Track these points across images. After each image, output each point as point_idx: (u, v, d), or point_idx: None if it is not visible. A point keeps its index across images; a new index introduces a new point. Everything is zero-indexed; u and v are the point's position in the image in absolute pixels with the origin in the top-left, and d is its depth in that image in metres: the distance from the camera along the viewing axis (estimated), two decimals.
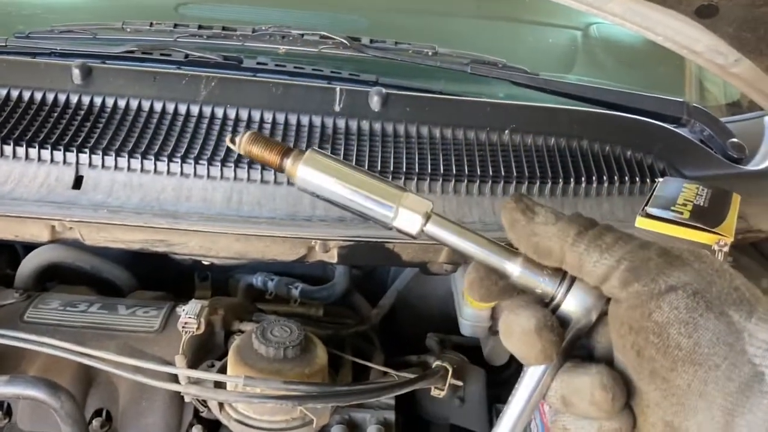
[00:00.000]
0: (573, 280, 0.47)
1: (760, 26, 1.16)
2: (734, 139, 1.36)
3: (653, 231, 0.90)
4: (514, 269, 0.48)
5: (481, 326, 1.28)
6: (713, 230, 0.87)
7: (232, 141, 0.55)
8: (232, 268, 1.51)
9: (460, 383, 1.15)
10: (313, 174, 0.52)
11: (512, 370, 1.38)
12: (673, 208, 0.92)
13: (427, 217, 0.51)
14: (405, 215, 0.51)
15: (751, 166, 1.35)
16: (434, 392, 1.13)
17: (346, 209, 0.53)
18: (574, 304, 0.47)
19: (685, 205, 0.93)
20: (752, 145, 1.41)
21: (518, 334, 0.46)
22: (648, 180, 1.22)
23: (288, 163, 0.52)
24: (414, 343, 1.37)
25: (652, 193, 0.97)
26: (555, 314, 0.47)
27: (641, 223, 0.90)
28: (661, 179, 1.03)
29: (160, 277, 1.43)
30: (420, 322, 1.45)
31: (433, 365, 1.14)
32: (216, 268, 1.45)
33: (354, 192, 0.51)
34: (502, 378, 1.37)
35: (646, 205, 0.93)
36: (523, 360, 0.47)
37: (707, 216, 0.90)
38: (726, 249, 0.86)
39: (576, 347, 0.48)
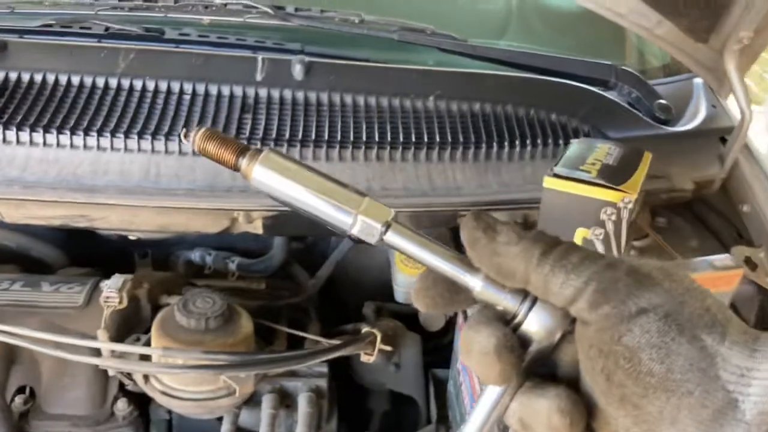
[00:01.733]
0: (536, 297, 0.45)
1: None
2: (661, 101, 1.38)
3: (560, 190, 0.91)
4: (476, 283, 0.46)
5: None
6: (617, 188, 0.88)
7: (186, 136, 0.54)
8: (172, 244, 1.50)
9: (389, 348, 1.16)
10: (270, 175, 0.50)
11: (450, 336, 1.39)
12: (581, 167, 0.93)
13: (387, 226, 0.49)
14: (364, 223, 0.49)
15: (678, 127, 1.37)
16: (364, 358, 1.14)
17: (302, 213, 0.51)
18: (536, 323, 0.45)
19: (594, 164, 0.94)
20: (682, 107, 1.43)
21: (477, 354, 0.44)
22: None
23: (243, 162, 0.51)
24: (353, 313, 1.38)
25: (562, 154, 0.98)
26: (516, 333, 0.45)
27: (549, 182, 0.92)
28: (575, 140, 1.04)
29: (96, 255, 1.42)
30: (359, 291, 1.46)
31: (363, 331, 1.15)
32: (156, 245, 1.44)
33: (312, 196, 0.49)
34: (439, 344, 1.39)
35: (555, 165, 0.94)
36: (482, 380, 0.46)
37: (614, 174, 0.91)
38: (630, 206, 0.88)
39: (538, 365, 0.46)
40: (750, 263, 1.25)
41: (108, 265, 1.41)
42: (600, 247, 0.90)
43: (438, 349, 1.37)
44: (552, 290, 0.42)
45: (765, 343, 0.39)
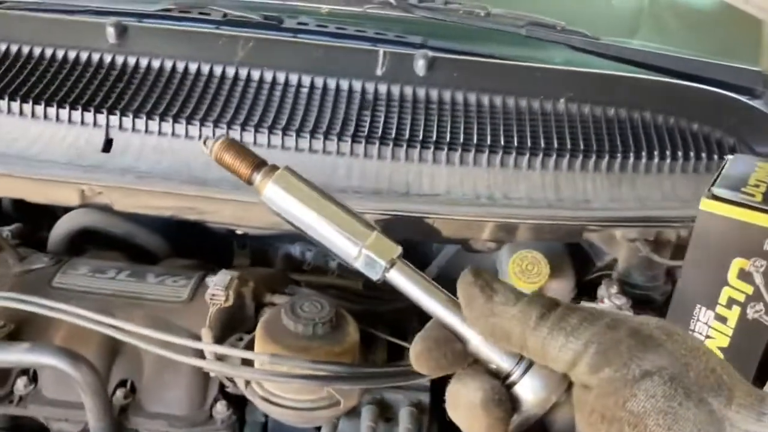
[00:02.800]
0: (531, 361, 0.43)
1: None
2: None
3: (719, 214, 0.81)
4: (473, 336, 0.44)
5: None
6: None
7: (205, 143, 0.52)
8: (272, 237, 1.47)
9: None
10: (281, 195, 0.49)
11: None
12: (743, 189, 0.82)
13: (392, 264, 0.47)
14: (368, 257, 0.47)
15: None
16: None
17: (307, 237, 0.49)
18: (530, 390, 0.42)
19: (757, 186, 0.83)
20: None
21: (464, 407, 0.42)
22: (716, 157, 1.12)
23: (257, 178, 0.49)
24: None
25: (719, 173, 0.87)
26: (509, 391, 0.43)
27: (706, 205, 0.81)
28: (730, 156, 0.93)
29: (197, 244, 1.40)
30: None
31: None
32: (255, 237, 1.41)
33: (319, 221, 0.48)
34: None
35: (712, 185, 0.84)
36: None
37: None
38: None
39: (528, 425, 0.43)
40: None
41: (207, 253, 1.40)
42: (760, 281, 0.80)
43: None
44: (550, 354, 0.40)
45: None
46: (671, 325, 0.41)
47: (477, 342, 0.44)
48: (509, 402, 0.42)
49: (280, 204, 0.49)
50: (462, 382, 0.43)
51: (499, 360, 0.43)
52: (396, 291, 1.25)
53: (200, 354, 0.96)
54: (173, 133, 1.05)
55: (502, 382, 0.43)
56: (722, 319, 0.82)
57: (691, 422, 0.37)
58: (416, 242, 1.43)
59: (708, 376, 0.39)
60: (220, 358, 0.97)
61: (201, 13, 1.24)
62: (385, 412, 1.06)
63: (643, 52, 1.26)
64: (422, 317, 1.29)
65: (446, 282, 1.31)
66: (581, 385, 0.40)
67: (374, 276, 0.47)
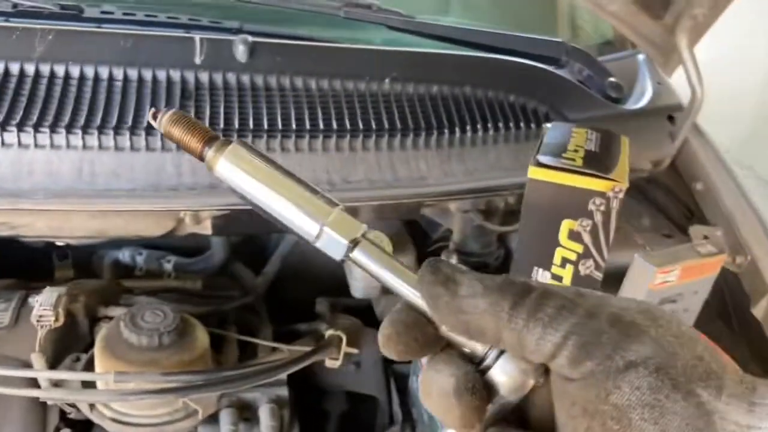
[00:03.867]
0: None
1: None
2: (612, 79, 1.36)
3: (546, 180, 0.86)
4: None
5: (373, 286, 1.22)
6: (607, 176, 0.84)
7: (154, 117, 0.49)
8: (96, 243, 1.36)
9: (355, 351, 1.09)
10: (235, 170, 0.46)
11: None
12: (564, 155, 0.88)
13: (355, 243, 0.44)
14: (330, 236, 0.45)
15: (629, 105, 1.35)
16: (329, 363, 1.06)
17: (264, 214, 0.46)
18: (505, 372, 0.41)
19: (576, 151, 0.89)
20: (627, 84, 1.41)
21: (436, 395, 0.40)
22: (533, 125, 1.19)
23: (209, 153, 0.46)
24: (303, 308, 1.30)
25: (541, 141, 0.92)
26: (483, 378, 0.41)
27: (533, 172, 0.86)
28: (548, 125, 0.99)
29: (11, 260, 1.26)
30: (308, 286, 1.37)
31: (326, 335, 1.07)
32: (77, 246, 1.30)
33: (277, 198, 0.45)
34: None
35: (536, 153, 0.88)
36: (444, 424, 0.41)
37: (599, 161, 0.87)
38: (621, 195, 0.84)
39: (504, 414, 0.41)
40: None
41: (23, 269, 1.27)
42: (588, 239, 0.86)
43: None
44: (528, 348, 0.38)
45: (764, 395, 0.36)
46: (655, 308, 0.39)
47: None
48: (484, 389, 0.40)
49: (233, 180, 0.46)
50: (434, 368, 0.41)
51: (472, 343, 0.41)
52: (237, 286, 1.20)
53: (33, 383, 0.87)
54: None
55: (476, 366, 0.41)
56: (558, 278, 0.88)
57: (679, 416, 0.35)
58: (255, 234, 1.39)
59: (696, 365, 0.36)
60: (57, 383, 0.88)
61: None
62: (245, 413, 1.03)
63: (456, 29, 1.30)
64: (270, 310, 1.25)
65: (290, 271, 1.28)
66: (562, 377, 0.38)
67: (337, 256, 0.45)
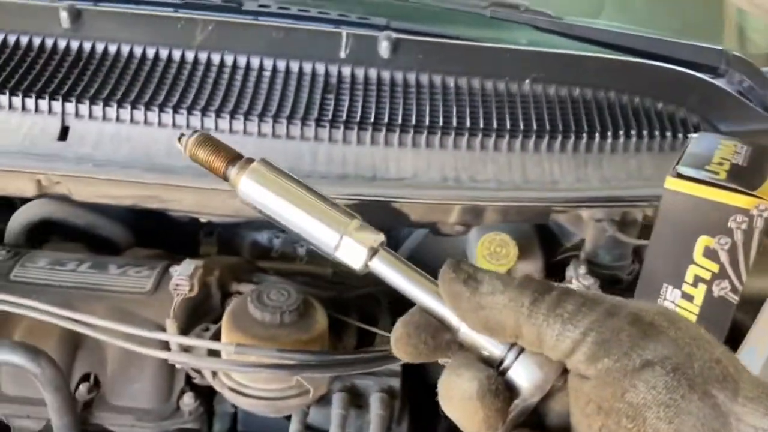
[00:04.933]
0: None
1: None
2: None
3: (684, 192, 0.81)
4: (461, 323, 0.42)
5: None
6: (752, 193, 0.77)
7: (180, 140, 0.51)
8: (239, 224, 1.45)
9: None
10: (256, 188, 0.47)
11: None
12: (707, 167, 0.82)
13: (373, 252, 0.45)
14: (349, 246, 0.45)
15: None
16: (442, 361, 1.06)
17: (287, 230, 0.48)
18: (524, 375, 0.41)
19: (721, 164, 0.83)
20: None
21: (458, 400, 0.40)
22: (680, 135, 1.12)
23: (232, 172, 0.48)
24: None
25: (684, 151, 0.87)
26: (503, 379, 0.41)
27: (671, 183, 0.81)
28: (695, 135, 0.93)
29: (162, 234, 1.37)
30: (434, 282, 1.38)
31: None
32: (222, 224, 1.38)
33: (296, 212, 0.46)
34: None
35: (677, 163, 0.83)
36: (464, 429, 0.40)
37: (746, 176, 0.81)
38: (766, 214, 0.77)
39: (525, 414, 0.41)
40: None
41: (172, 242, 1.37)
42: (725, 258, 0.80)
43: None
44: (547, 343, 0.38)
45: None
46: (673, 312, 0.39)
47: (465, 329, 0.42)
48: (506, 391, 0.40)
49: (255, 198, 0.47)
50: (456, 372, 0.41)
51: (490, 346, 0.42)
52: (365, 276, 1.24)
53: (165, 346, 0.94)
54: (132, 120, 1.02)
55: (495, 369, 0.41)
56: (689, 297, 0.82)
57: (694, 416, 0.35)
58: (386, 227, 1.42)
59: (713, 367, 0.36)
60: (186, 349, 0.95)
61: None
62: (356, 399, 1.05)
63: (606, 32, 1.26)
64: (392, 301, 1.28)
65: (418, 265, 1.31)
66: (578, 375, 0.38)
67: (356, 266, 0.46)
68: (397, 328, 0.43)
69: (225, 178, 0.48)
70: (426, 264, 1.32)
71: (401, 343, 0.43)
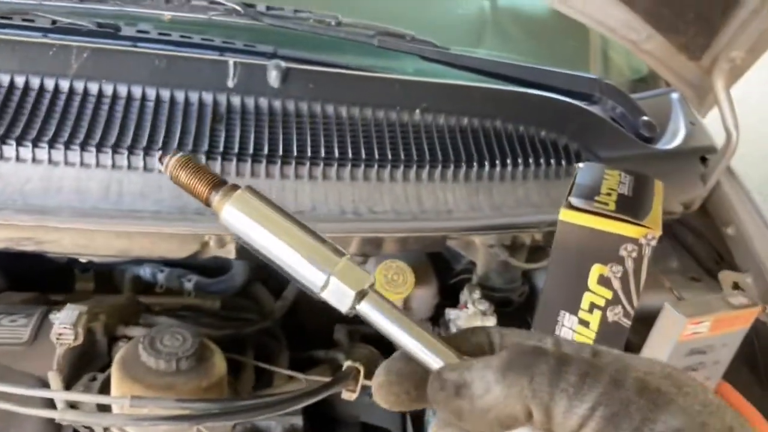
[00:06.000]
0: None
1: (676, 1, 1.13)
2: (645, 118, 1.34)
3: (577, 223, 0.84)
4: None
5: None
6: (640, 223, 0.82)
7: (161, 160, 0.49)
8: None
9: (371, 384, 1.07)
10: (241, 217, 0.45)
11: None
12: (597, 198, 0.86)
13: (362, 295, 0.43)
14: (336, 287, 0.43)
15: (661, 145, 1.33)
16: (345, 395, 1.04)
17: (269, 262, 0.45)
18: None
19: (609, 194, 0.87)
20: (660, 123, 1.39)
21: None
22: (563, 162, 1.17)
23: (215, 198, 0.46)
24: (323, 334, 1.29)
25: (573, 181, 0.91)
26: None
27: (565, 215, 0.84)
28: (581, 165, 0.97)
29: (35, 269, 1.27)
30: (328, 312, 1.35)
31: (344, 366, 1.06)
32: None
33: (283, 246, 0.44)
34: None
35: (568, 194, 0.87)
36: None
37: (633, 206, 0.85)
38: (654, 242, 0.82)
39: None
40: (737, 288, 1.22)
41: (46, 280, 1.27)
42: (617, 285, 0.84)
43: None
44: (555, 419, 0.37)
45: None
46: (678, 373, 0.37)
47: None
48: None
49: (238, 227, 0.45)
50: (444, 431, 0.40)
51: None
52: (255, 308, 1.18)
53: (49, 402, 0.87)
54: (2, 157, 0.93)
55: None
56: (585, 323, 0.86)
57: None
58: None
59: None
60: (73, 404, 0.88)
61: (25, 20, 1.11)
62: None
63: (489, 62, 1.30)
64: (288, 335, 1.24)
65: (309, 296, 1.28)
66: None
67: (343, 308, 0.44)
68: (379, 374, 0.42)
69: (207, 204, 0.46)
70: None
71: (383, 391, 0.42)
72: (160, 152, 0.46)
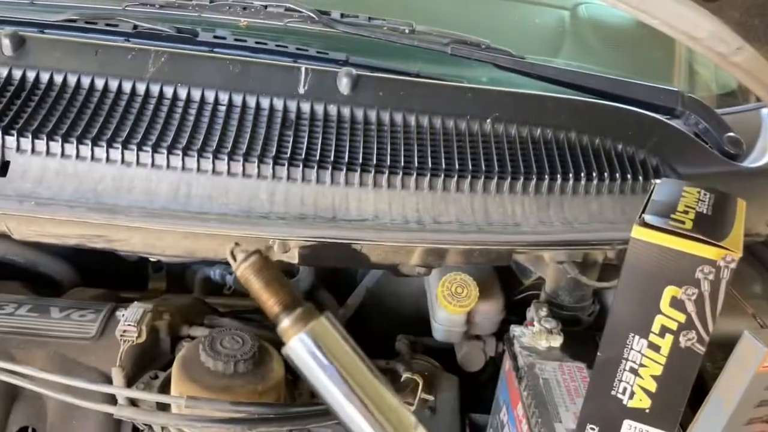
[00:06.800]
0: None
1: None
2: (731, 134, 1.27)
3: (651, 242, 0.80)
4: None
5: (456, 331, 1.18)
6: (719, 243, 0.77)
7: (233, 255, 0.45)
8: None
9: (430, 398, 1.05)
10: (313, 351, 0.40)
11: (486, 375, 1.29)
12: (673, 216, 0.81)
13: None
14: None
15: (748, 163, 1.26)
16: None
17: (329, 409, 0.40)
18: None
19: (686, 212, 0.83)
20: (748, 140, 1.32)
21: None
22: (640, 177, 1.12)
23: (286, 321, 0.41)
24: (384, 343, 1.27)
25: (648, 198, 0.86)
26: None
27: (638, 232, 0.80)
28: (658, 181, 0.92)
29: (109, 267, 1.31)
30: (391, 321, 1.35)
31: (402, 378, 1.04)
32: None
33: (351, 403, 0.39)
34: (477, 385, 1.28)
35: (642, 211, 0.82)
36: None
37: (712, 226, 0.80)
38: (733, 265, 0.77)
39: None
40: None
41: (121, 278, 1.31)
42: (692, 308, 0.79)
43: (476, 390, 1.26)
44: None
45: None
46: None
47: None
48: None
49: (307, 361, 0.39)
50: None
51: None
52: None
53: (111, 397, 0.89)
54: (78, 156, 0.97)
55: None
56: (655, 348, 0.81)
57: None
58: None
59: None
60: (133, 401, 0.90)
61: (108, 25, 1.15)
62: None
63: (566, 72, 1.26)
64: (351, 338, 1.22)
65: (373, 304, 1.27)
66: None
67: None
68: None
69: (274, 322, 0.41)
70: (384, 304, 1.29)
71: None
72: (234, 244, 0.39)
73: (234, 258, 0.42)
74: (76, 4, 1.22)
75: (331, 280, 1.40)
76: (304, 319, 0.39)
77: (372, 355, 1.21)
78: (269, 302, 0.42)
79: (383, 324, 1.34)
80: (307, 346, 0.38)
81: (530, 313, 1.13)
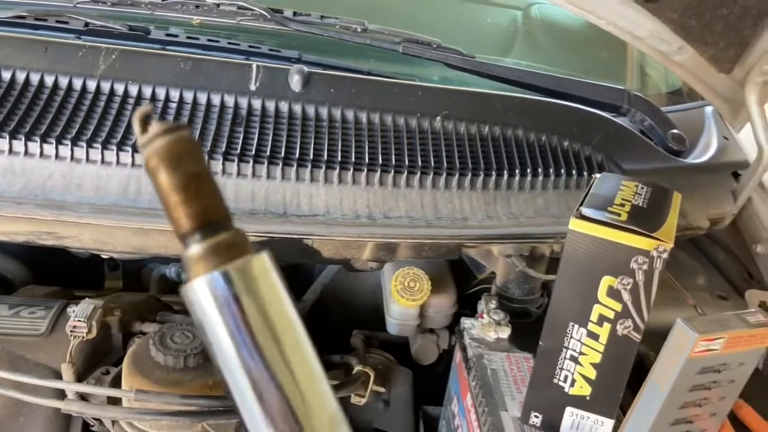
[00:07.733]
0: None
1: (705, 13, 1.10)
2: (675, 131, 1.31)
3: (588, 234, 0.82)
4: None
5: (409, 324, 1.20)
6: (651, 235, 0.80)
7: (142, 122, 0.31)
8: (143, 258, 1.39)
9: (382, 390, 1.07)
10: (229, 303, 0.27)
11: (441, 368, 1.31)
12: (609, 208, 0.84)
13: None
14: None
15: (691, 159, 1.30)
16: (354, 399, 1.04)
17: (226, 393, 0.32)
18: None
19: (622, 205, 0.86)
20: (691, 137, 1.36)
21: None
22: (585, 173, 1.16)
23: (199, 246, 0.27)
24: (341, 338, 1.29)
25: (587, 191, 0.89)
26: None
27: (575, 224, 0.83)
28: (598, 175, 0.95)
29: (64, 266, 1.30)
30: (348, 316, 1.36)
31: (354, 370, 1.06)
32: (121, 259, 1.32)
33: (267, 393, 0.29)
34: (430, 378, 1.30)
35: (581, 204, 0.85)
36: None
37: (646, 218, 0.83)
38: (665, 255, 0.80)
39: None
40: (764, 307, 1.18)
41: (76, 277, 1.30)
42: (627, 298, 0.82)
43: (430, 383, 1.28)
44: None
45: None
46: None
47: None
48: None
49: (211, 317, 0.27)
50: None
51: None
52: None
53: (61, 392, 0.89)
54: (26, 153, 0.96)
55: None
56: (594, 336, 0.84)
57: None
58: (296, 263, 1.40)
59: None
60: (83, 396, 0.90)
61: (59, 22, 1.15)
62: None
63: (515, 70, 1.29)
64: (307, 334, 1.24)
65: (330, 299, 1.28)
66: None
67: None
68: None
69: (182, 243, 0.28)
70: (340, 300, 1.30)
71: None
72: (142, 109, 0.29)
73: (143, 127, 0.28)
74: (26, 1, 1.21)
75: (288, 277, 1.41)
76: (229, 251, 0.26)
77: (329, 351, 1.23)
78: (180, 209, 0.28)
79: (340, 320, 1.36)
80: (223, 295, 0.27)
81: (480, 305, 1.15)
